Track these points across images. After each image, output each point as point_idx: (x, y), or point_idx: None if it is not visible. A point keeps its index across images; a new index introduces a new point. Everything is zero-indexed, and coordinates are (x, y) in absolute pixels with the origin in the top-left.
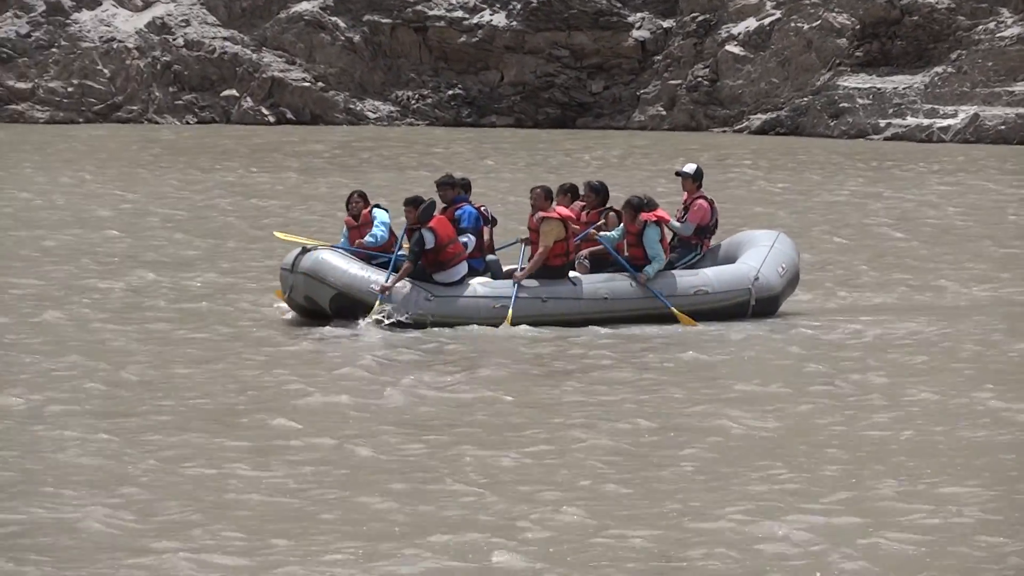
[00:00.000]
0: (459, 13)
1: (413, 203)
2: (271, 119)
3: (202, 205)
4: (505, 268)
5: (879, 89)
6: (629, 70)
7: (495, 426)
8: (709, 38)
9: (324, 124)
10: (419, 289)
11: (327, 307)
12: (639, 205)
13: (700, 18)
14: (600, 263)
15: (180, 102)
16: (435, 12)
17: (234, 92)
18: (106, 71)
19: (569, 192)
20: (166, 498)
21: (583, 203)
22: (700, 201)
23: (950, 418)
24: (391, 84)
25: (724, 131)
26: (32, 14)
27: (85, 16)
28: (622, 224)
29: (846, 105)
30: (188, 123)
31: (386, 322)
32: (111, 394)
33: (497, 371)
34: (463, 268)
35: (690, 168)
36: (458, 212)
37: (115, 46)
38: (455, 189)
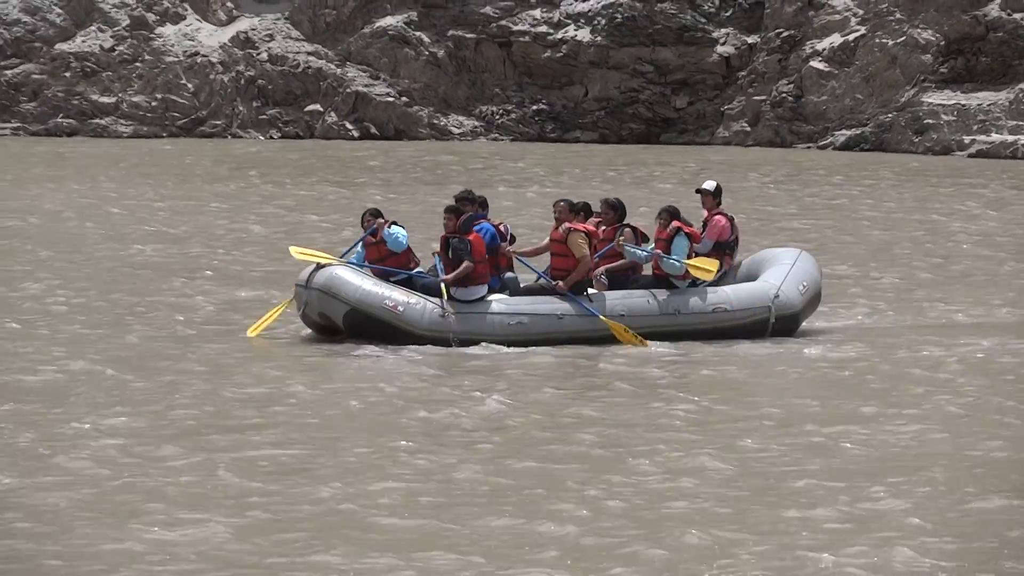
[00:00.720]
0: (543, 28)
1: (455, 211)
2: (355, 134)
3: (290, 220)
4: (523, 285)
5: (963, 105)
6: (713, 86)
7: (602, 443)
8: (793, 54)
9: (408, 139)
10: (435, 305)
11: (341, 323)
12: (675, 213)
13: (785, 34)
14: (618, 281)
15: (264, 117)
16: (520, 27)
17: (318, 107)
18: (190, 85)
19: (583, 211)
20: (291, 520)
21: (598, 219)
22: (718, 217)
23: None
24: (475, 99)
25: (808, 147)
26: (116, 28)
27: (169, 30)
28: (652, 239)
29: (930, 121)
30: (272, 138)
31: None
32: (226, 412)
33: (586, 387)
34: (483, 289)
35: (710, 185)
36: (476, 228)
37: (199, 60)
38: (473, 205)
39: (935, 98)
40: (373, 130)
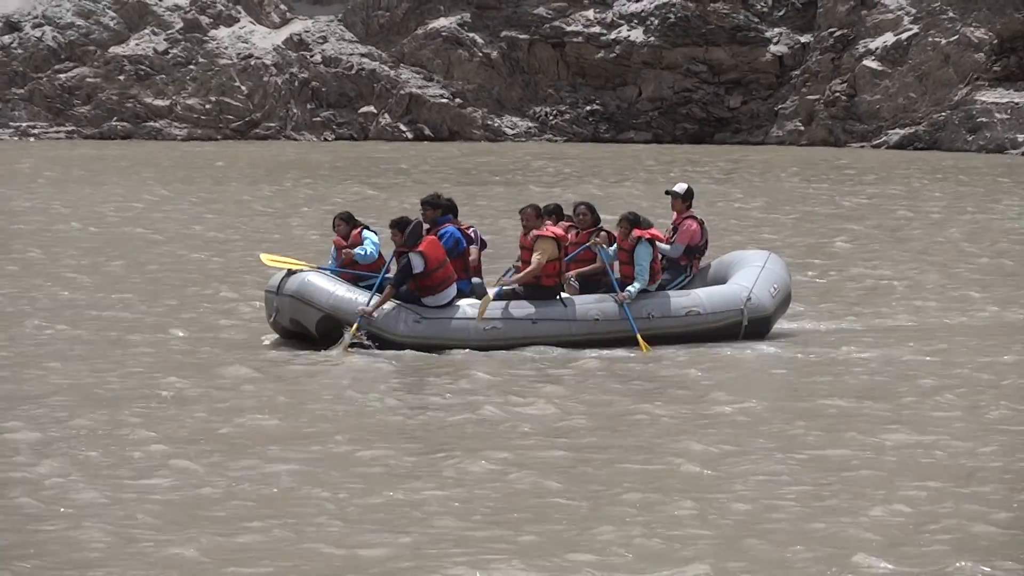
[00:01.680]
0: (597, 29)
1: (399, 225)
2: (409, 135)
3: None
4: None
5: (1017, 103)
6: (767, 85)
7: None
8: (847, 53)
9: (462, 140)
10: (408, 311)
11: (313, 330)
12: (635, 220)
13: (838, 33)
14: (589, 284)
15: (318, 119)
16: (573, 28)
17: (372, 109)
18: (243, 88)
19: (553, 213)
20: (367, 527)
21: (569, 224)
22: (688, 221)
23: None
24: (529, 100)
25: (862, 146)
26: (170, 31)
27: (223, 33)
28: (615, 243)
29: (984, 120)
30: (326, 140)
31: (366, 342)
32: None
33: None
34: (452, 291)
35: (680, 188)
36: (441, 232)
37: (252, 63)
38: (437, 210)
39: (988, 96)
40: (427, 131)
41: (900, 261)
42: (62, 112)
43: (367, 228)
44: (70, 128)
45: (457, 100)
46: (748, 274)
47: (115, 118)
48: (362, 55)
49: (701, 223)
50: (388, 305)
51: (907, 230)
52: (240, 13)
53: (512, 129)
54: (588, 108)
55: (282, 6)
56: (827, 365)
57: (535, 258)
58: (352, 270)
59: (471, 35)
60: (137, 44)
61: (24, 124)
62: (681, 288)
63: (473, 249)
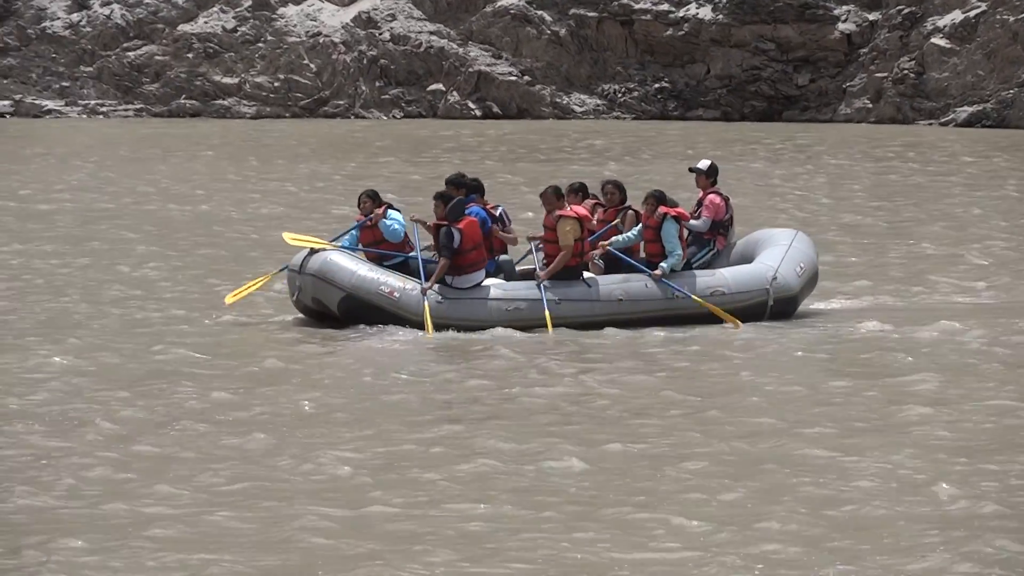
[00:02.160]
0: (665, 6)
1: (442, 198)
2: (477, 113)
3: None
4: (519, 268)
5: None
6: (835, 63)
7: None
8: (915, 31)
9: (531, 118)
10: (432, 291)
11: (335, 309)
12: (661, 197)
13: (906, 10)
14: (615, 264)
15: (386, 96)
16: (641, 5)
17: (440, 86)
18: (312, 66)
19: (580, 191)
20: (425, 536)
21: (595, 201)
22: (712, 196)
23: None
24: (597, 78)
25: (930, 124)
26: (238, 8)
27: (291, 11)
28: (639, 223)
29: None
30: (395, 118)
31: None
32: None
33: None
34: (480, 276)
35: (703, 164)
36: (467, 213)
37: (321, 40)
38: (461, 189)
39: None
40: (496, 109)
41: (945, 239)
42: (131, 90)
43: (391, 207)
44: (139, 106)
45: (526, 78)
46: (774, 253)
47: (184, 96)
48: (431, 33)
49: (726, 199)
50: (407, 284)
51: (960, 208)
52: None
53: (580, 107)
54: (656, 86)
55: None
56: (850, 343)
57: (562, 243)
58: (377, 249)
59: (539, 12)
60: (206, 22)
61: (93, 102)
62: (704, 263)
63: (497, 228)
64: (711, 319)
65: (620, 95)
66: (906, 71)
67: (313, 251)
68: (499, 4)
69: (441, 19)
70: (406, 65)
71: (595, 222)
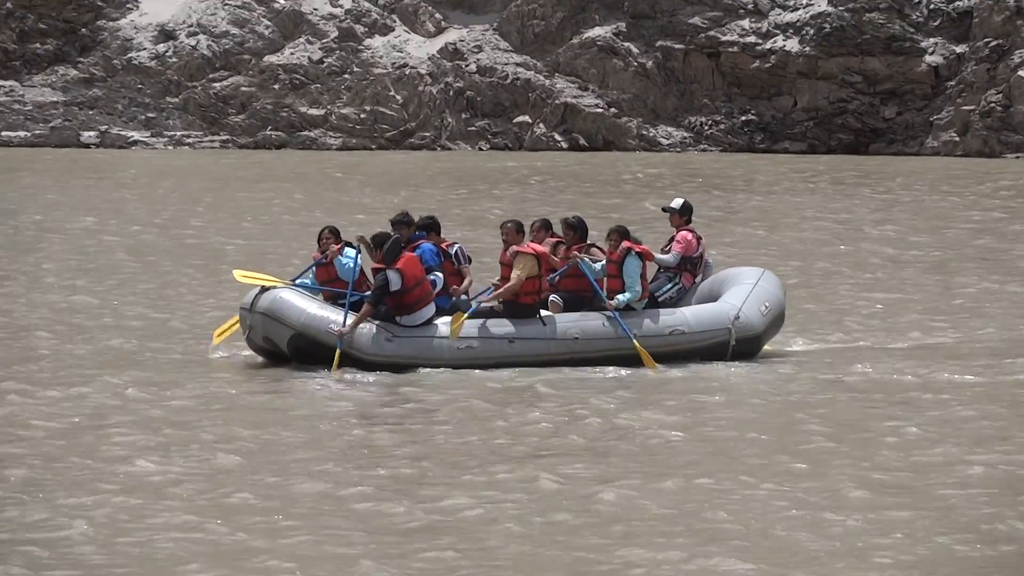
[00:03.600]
0: (752, 38)
1: (375, 241)
2: (564, 145)
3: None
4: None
5: None
6: (922, 95)
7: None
8: (1002, 63)
9: (617, 150)
10: (381, 330)
11: (285, 348)
12: (625, 233)
13: (993, 43)
14: (574, 303)
15: (473, 128)
16: (728, 37)
17: (527, 118)
18: (398, 97)
19: (544, 228)
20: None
21: (557, 240)
22: (684, 232)
23: None
24: (684, 110)
25: (1018, 157)
26: (324, 40)
27: (377, 42)
28: (606, 257)
29: None
30: (481, 149)
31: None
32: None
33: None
34: (430, 310)
35: (676, 203)
36: (417, 251)
37: (407, 72)
38: (410, 228)
39: None
40: (582, 141)
41: (983, 277)
42: (216, 121)
43: (349, 245)
44: (224, 137)
45: (612, 110)
46: (738, 292)
47: (269, 127)
48: (517, 64)
49: (699, 237)
50: (361, 324)
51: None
52: (395, 22)
53: (667, 139)
54: (743, 118)
55: (437, 15)
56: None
57: (515, 275)
58: (332, 288)
59: (626, 44)
60: (292, 53)
61: (179, 133)
62: (669, 299)
63: (448, 264)
64: (679, 357)
65: (707, 127)
66: (993, 104)
67: (264, 289)
68: (586, 36)
69: (528, 51)
70: (492, 97)
71: (557, 259)
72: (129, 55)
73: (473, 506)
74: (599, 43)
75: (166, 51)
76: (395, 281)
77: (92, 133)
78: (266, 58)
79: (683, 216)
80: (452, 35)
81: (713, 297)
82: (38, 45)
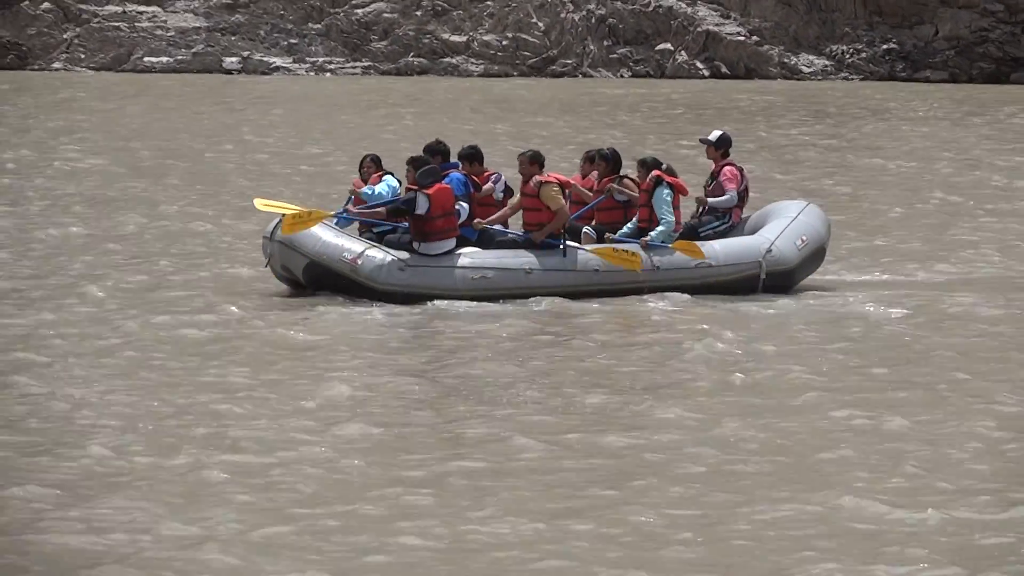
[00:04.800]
0: None
1: (414, 163)
2: (705, 73)
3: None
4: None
5: None
6: None
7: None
8: None
9: (758, 79)
10: (392, 259)
11: (301, 277)
12: (653, 163)
13: None
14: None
15: (614, 56)
16: None
17: (669, 46)
18: (540, 24)
19: (589, 161)
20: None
21: (592, 170)
22: (728, 168)
23: None
24: (825, 38)
25: None
26: None
27: None
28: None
29: None
30: (622, 77)
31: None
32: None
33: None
34: (450, 244)
35: (714, 136)
36: (445, 180)
37: (550, 0)
38: (437, 156)
39: None
40: (724, 69)
41: None
42: (359, 47)
43: (389, 174)
44: (366, 63)
45: (754, 37)
46: (776, 226)
47: (411, 54)
48: None
49: (740, 170)
50: (372, 251)
51: None
52: None
53: (808, 67)
54: (884, 47)
55: None
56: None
57: (555, 206)
58: (357, 208)
59: None
60: None
61: (321, 59)
62: (718, 235)
63: (477, 195)
64: (706, 290)
65: (848, 56)
66: None
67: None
68: None
69: None
70: (634, 24)
71: (596, 191)
72: None
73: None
74: None
75: None
76: (423, 204)
77: (234, 59)
78: None
79: (719, 149)
80: None
81: (756, 231)
82: None
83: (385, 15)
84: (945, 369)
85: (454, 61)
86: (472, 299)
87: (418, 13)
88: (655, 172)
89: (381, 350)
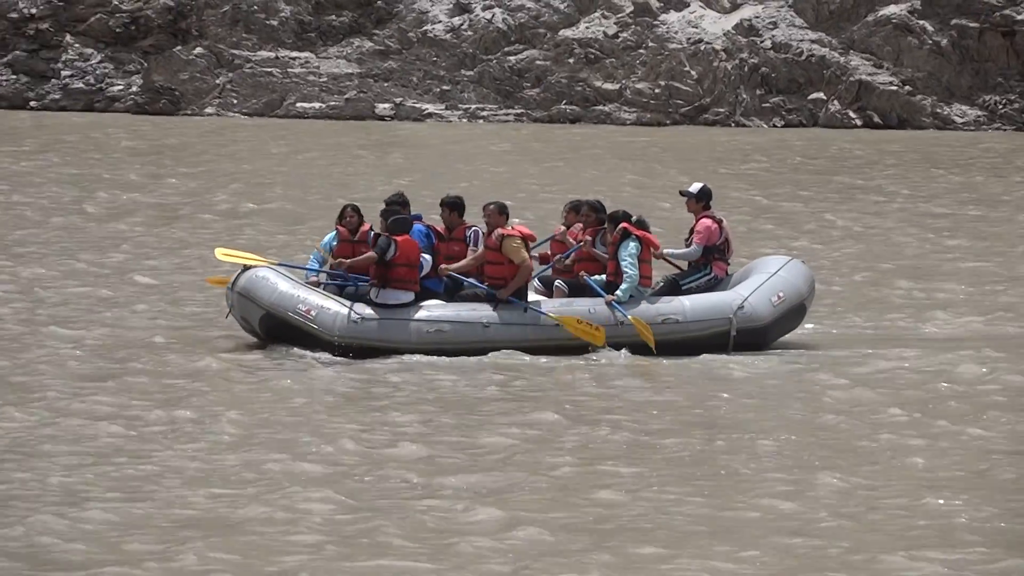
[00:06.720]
0: None
1: (385, 214)
2: (858, 122)
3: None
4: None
5: None
6: None
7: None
8: None
9: (911, 128)
10: (348, 309)
11: (258, 329)
12: (622, 216)
13: None
14: (577, 288)
15: (767, 105)
16: (1023, 16)
17: (821, 95)
18: (693, 73)
19: (574, 210)
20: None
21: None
22: (704, 220)
23: None
24: (978, 88)
25: None
26: (620, 15)
27: (673, 17)
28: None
29: None
30: (775, 126)
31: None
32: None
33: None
34: (407, 296)
35: (694, 188)
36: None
37: (702, 48)
38: (405, 208)
39: None
40: (876, 119)
41: None
42: (511, 94)
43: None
44: (519, 111)
45: (906, 87)
46: (752, 281)
47: (564, 101)
48: (812, 41)
49: (719, 222)
50: (327, 303)
51: None
52: None
53: (961, 117)
54: None
55: None
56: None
57: (517, 259)
58: (344, 265)
59: (921, 22)
60: (587, 27)
61: (473, 106)
62: (699, 289)
63: (443, 245)
64: (671, 347)
65: (1001, 106)
66: None
67: (246, 268)
68: (880, 13)
69: (823, 27)
70: (787, 73)
71: (576, 240)
72: (424, 28)
73: None
74: (894, 20)
75: (461, 24)
76: (391, 251)
77: (387, 105)
78: (561, 32)
79: (699, 202)
80: (747, 11)
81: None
82: (333, 17)
83: (538, 62)
84: None
85: (606, 109)
86: (427, 352)
87: (571, 61)
88: (622, 225)
89: (323, 407)
